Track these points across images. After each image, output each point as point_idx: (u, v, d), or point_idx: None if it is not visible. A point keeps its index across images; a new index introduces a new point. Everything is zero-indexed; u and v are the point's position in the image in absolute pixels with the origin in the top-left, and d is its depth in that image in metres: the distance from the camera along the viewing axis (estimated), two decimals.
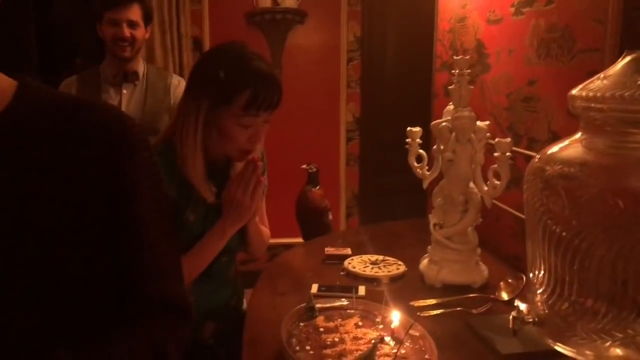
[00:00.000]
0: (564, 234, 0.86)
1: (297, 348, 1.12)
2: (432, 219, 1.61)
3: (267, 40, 3.67)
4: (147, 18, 2.19)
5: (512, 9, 1.73)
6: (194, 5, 3.57)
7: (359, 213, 3.95)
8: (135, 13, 2.11)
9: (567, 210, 0.85)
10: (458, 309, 1.39)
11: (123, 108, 2.13)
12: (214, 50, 1.35)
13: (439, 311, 1.38)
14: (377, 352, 1.08)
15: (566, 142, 0.92)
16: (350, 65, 3.79)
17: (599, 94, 0.83)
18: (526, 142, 1.67)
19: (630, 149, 0.84)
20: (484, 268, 1.58)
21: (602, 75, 0.87)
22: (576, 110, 0.89)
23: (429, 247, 1.62)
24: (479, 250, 1.59)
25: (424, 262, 1.62)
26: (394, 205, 3.80)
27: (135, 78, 2.21)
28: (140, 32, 2.16)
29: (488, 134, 1.56)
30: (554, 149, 0.93)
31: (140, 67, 2.25)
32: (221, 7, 3.62)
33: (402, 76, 3.75)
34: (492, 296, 1.46)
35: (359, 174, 3.92)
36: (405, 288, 1.58)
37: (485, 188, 1.48)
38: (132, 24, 2.11)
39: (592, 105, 0.86)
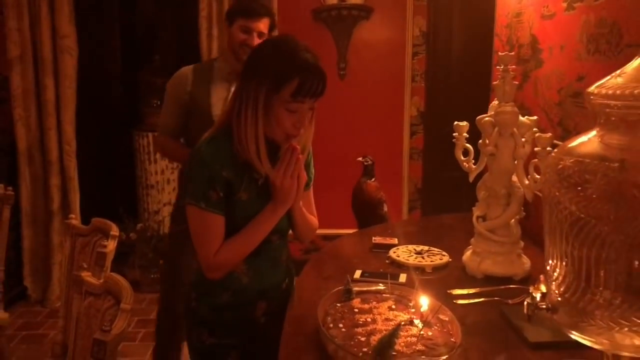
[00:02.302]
0: (579, 222, 0.90)
1: (331, 325, 1.21)
2: (476, 211, 1.65)
3: (333, 36, 3.76)
4: (272, 29, 2.34)
5: (565, 4, 1.73)
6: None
7: (422, 206, 3.98)
8: (265, 25, 2.25)
9: (580, 202, 0.89)
10: (495, 298, 1.44)
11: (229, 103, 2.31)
12: (267, 43, 1.46)
13: (475, 300, 1.43)
14: (406, 333, 1.16)
15: (585, 138, 0.96)
16: (415, 59, 3.81)
17: (610, 92, 0.87)
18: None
19: None
20: (526, 261, 1.60)
21: (617, 72, 0.90)
22: (593, 107, 0.93)
23: (472, 239, 1.66)
24: (521, 243, 1.61)
25: (467, 253, 1.67)
26: (456, 198, 3.78)
27: None
28: None
29: (535, 129, 1.57)
30: (573, 143, 0.96)
31: None
32: (289, 5, 3.74)
33: (466, 70, 3.72)
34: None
35: (422, 168, 3.94)
36: (448, 278, 1.63)
37: (527, 182, 1.51)
38: (261, 35, 2.24)
39: (608, 102, 0.89)
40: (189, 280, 1.60)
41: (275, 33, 2.34)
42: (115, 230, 1.74)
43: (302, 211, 1.52)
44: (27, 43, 3.43)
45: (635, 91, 0.84)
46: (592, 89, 0.92)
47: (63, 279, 2.27)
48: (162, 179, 3.96)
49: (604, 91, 0.90)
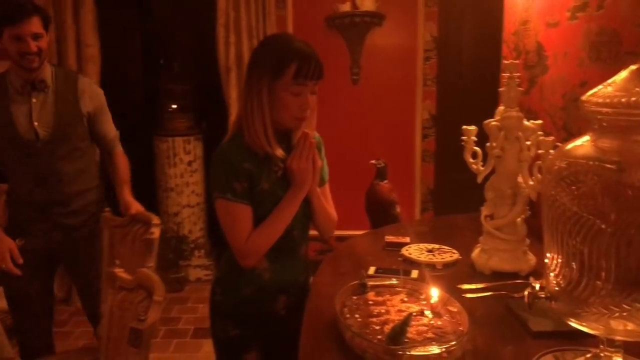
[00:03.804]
0: (573, 217, 0.99)
1: (348, 316, 1.31)
2: (484, 211, 1.74)
3: (346, 42, 3.87)
4: (47, 25, 2.13)
5: (568, 14, 1.81)
6: (278, 11, 3.82)
7: (434, 208, 4.07)
8: (37, 25, 2.06)
9: (574, 199, 0.98)
10: (502, 292, 1.52)
11: (34, 117, 2.15)
12: (265, 40, 1.61)
13: (483, 294, 1.52)
14: (417, 323, 1.25)
15: (579, 141, 1.05)
16: (426, 64, 3.91)
17: (601, 100, 0.96)
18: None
19: (632, 147, 0.96)
20: (531, 257, 1.69)
21: (608, 82, 0.99)
22: (586, 113, 1.02)
23: (481, 237, 1.75)
24: (527, 241, 1.70)
25: (476, 251, 1.76)
26: (468, 200, 3.87)
27: (44, 86, 2.18)
28: (45, 41, 2.12)
29: (540, 132, 1.66)
30: (569, 146, 1.05)
31: (48, 73, 2.20)
32: (303, 12, 3.86)
33: (476, 74, 3.81)
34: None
35: (434, 170, 4.03)
36: (457, 274, 1.72)
37: (531, 182, 1.59)
38: (37, 36, 2.07)
39: (599, 109, 0.98)
40: None
41: (52, 28, 2.13)
42: (157, 220, 1.85)
43: (320, 199, 1.62)
44: (53, 53, 3.56)
45: (623, 99, 0.93)
46: (585, 97, 1.02)
47: None
48: (181, 182, 4.08)
49: (595, 99, 0.99)
